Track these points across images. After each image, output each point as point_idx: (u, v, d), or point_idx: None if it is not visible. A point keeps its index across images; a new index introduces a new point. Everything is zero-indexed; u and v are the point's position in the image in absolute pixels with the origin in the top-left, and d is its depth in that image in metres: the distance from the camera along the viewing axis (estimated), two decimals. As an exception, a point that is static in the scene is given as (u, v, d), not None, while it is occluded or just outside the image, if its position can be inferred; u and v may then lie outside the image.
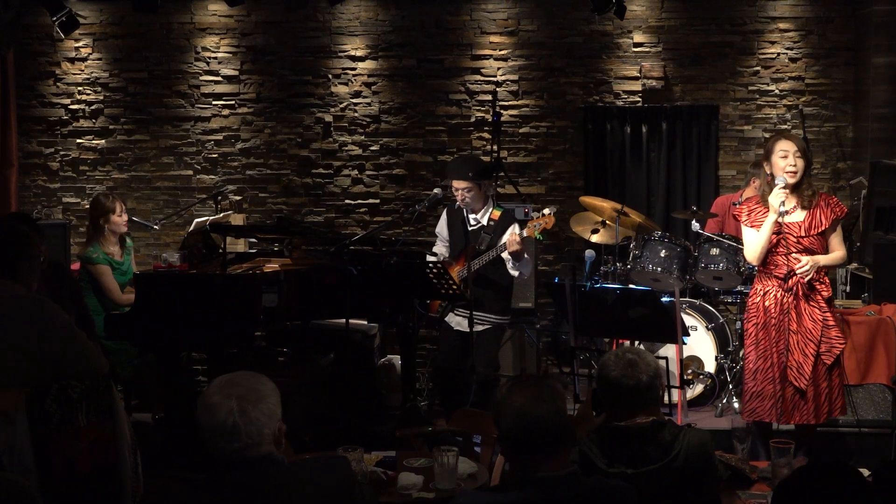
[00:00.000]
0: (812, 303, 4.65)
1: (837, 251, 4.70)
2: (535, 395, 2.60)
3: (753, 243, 4.72)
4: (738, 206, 4.99)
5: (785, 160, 4.61)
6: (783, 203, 4.56)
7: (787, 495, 2.20)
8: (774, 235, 4.65)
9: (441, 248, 5.84)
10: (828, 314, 4.66)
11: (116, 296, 5.78)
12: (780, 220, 4.59)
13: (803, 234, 4.63)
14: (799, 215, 4.65)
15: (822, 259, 4.65)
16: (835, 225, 4.67)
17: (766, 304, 4.70)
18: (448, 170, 5.77)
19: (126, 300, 5.80)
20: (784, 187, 4.57)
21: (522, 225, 5.47)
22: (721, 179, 7.52)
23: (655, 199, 7.46)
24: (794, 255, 4.63)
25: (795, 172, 4.59)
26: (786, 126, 7.43)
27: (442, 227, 5.85)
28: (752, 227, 4.73)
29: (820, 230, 4.62)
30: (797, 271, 4.61)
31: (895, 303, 5.55)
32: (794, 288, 4.64)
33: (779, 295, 4.67)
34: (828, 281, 4.72)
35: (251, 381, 2.51)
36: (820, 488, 2.16)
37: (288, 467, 2.52)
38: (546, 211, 5.35)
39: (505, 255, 5.45)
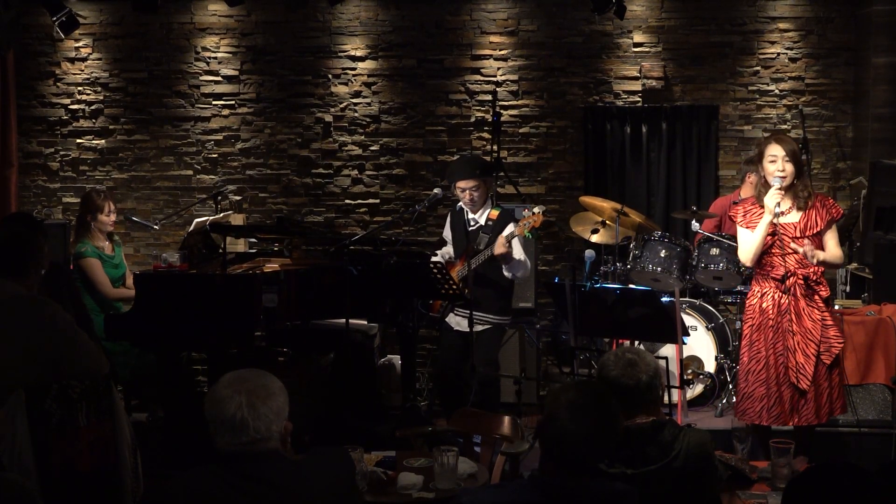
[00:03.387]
0: (811, 303, 4.64)
1: (834, 252, 4.69)
2: (594, 427, 2.52)
3: (748, 244, 4.74)
4: (735, 206, 5.01)
5: (774, 164, 4.63)
6: (779, 204, 4.59)
7: (796, 495, 2.19)
8: (770, 237, 4.66)
9: (450, 249, 5.82)
10: (826, 314, 4.66)
11: (106, 289, 5.79)
12: (774, 220, 4.61)
13: (798, 234, 4.63)
14: (794, 216, 4.66)
15: (821, 254, 4.62)
16: (829, 225, 4.66)
17: (764, 305, 4.69)
18: (451, 172, 5.70)
19: (117, 294, 5.81)
20: (780, 188, 4.60)
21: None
22: (721, 179, 7.52)
23: (655, 199, 7.46)
24: (789, 256, 4.64)
25: (785, 177, 4.61)
26: (786, 126, 7.43)
27: (447, 231, 5.86)
28: (747, 227, 4.74)
29: (815, 231, 4.63)
30: (800, 249, 4.58)
31: (895, 303, 5.55)
32: (792, 289, 4.64)
33: (776, 296, 4.66)
34: (825, 281, 4.72)
35: (261, 378, 2.55)
36: (830, 489, 2.15)
37: (293, 462, 2.54)
38: (536, 209, 5.33)
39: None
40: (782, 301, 4.65)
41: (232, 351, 5.65)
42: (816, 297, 4.65)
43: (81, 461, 3.51)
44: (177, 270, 5.67)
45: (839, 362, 4.70)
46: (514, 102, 7.56)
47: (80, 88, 7.65)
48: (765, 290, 4.71)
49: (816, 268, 4.67)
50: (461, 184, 5.53)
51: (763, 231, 4.64)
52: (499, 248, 5.33)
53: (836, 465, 2.22)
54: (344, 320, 5.55)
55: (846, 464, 2.22)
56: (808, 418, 4.63)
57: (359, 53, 7.57)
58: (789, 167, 4.60)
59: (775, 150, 4.63)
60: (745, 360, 4.75)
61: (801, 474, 2.24)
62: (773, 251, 4.68)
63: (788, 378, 4.62)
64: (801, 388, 4.59)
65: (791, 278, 4.64)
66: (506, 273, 5.53)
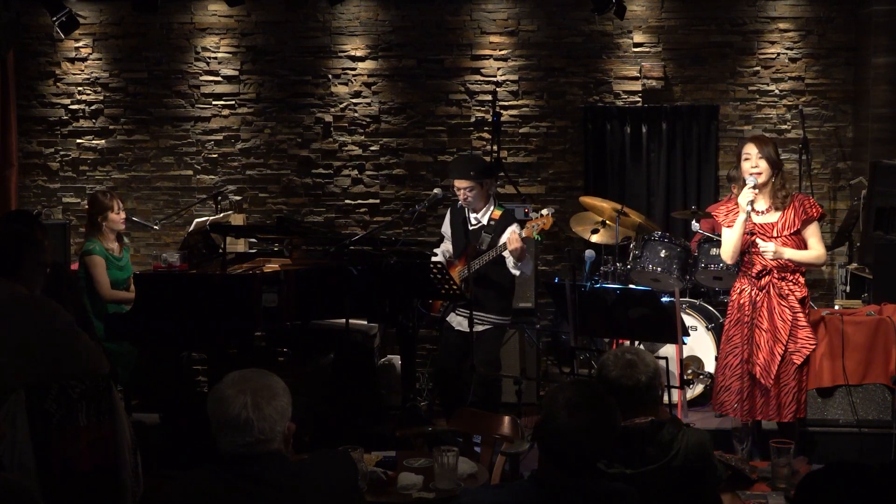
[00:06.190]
0: (783, 302, 4.70)
1: (813, 250, 4.72)
2: (592, 426, 2.52)
3: (726, 242, 4.85)
4: (717, 206, 5.09)
5: (748, 162, 4.73)
6: (752, 202, 4.67)
7: (807, 494, 2.18)
8: (748, 235, 4.74)
9: (448, 246, 5.82)
10: (799, 314, 4.70)
11: (104, 289, 5.74)
12: (751, 218, 4.69)
13: (775, 234, 4.70)
14: (773, 216, 4.73)
15: (789, 252, 4.67)
16: (807, 224, 4.71)
17: (742, 301, 4.80)
18: (449, 169, 5.76)
19: (113, 296, 5.77)
20: (754, 187, 4.68)
21: (522, 225, 5.47)
22: (721, 179, 7.50)
23: (655, 199, 7.46)
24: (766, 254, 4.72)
25: (760, 173, 4.69)
26: (786, 126, 7.43)
27: (446, 227, 5.85)
28: (728, 226, 4.84)
29: (792, 230, 4.69)
30: (759, 249, 4.69)
31: (895, 303, 5.55)
32: (767, 287, 4.72)
33: (753, 293, 4.75)
34: (802, 281, 4.77)
35: (265, 378, 2.54)
36: (841, 488, 2.14)
37: (295, 464, 2.54)
38: (544, 211, 5.34)
39: (506, 253, 5.44)
40: (757, 298, 4.74)
41: (232, 351, 5.65)
42: (791, 297, 4.71)
43: (81, 461, 3.51)
44: (177, 270, 5.67)
45: (808, 364, 4.76)
46: (514, 102, 7.56)
47: (80, 88, 7.65)
48: (743, 287, 4.81)
49: (794, 267, 4.73)
50: (456, 183, 5.55)
51: (739, 229, 4.73)
52: (513, 243, 5.30)
53: (847, 464, 2.19)
54: (344, 320, 5.55)
55: (857, 464, 2.20)
56: (770, 415, 4.72)
57: (359, 53, 7.57)
58: (763, 164, 4.68)
59: (749, 149, 4.73)
60: (723, 355, 4.87)
61: (812, 473, 2.21)
62: (752, 250, 4.76)
63: (754, 374, 4.71)
64: (765, 386, 4.67)
65: (766, 277, 4.73)
66: (514, 270, 5.52)
